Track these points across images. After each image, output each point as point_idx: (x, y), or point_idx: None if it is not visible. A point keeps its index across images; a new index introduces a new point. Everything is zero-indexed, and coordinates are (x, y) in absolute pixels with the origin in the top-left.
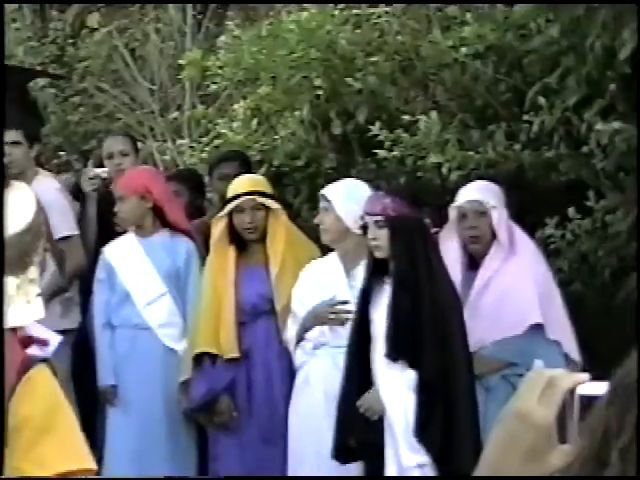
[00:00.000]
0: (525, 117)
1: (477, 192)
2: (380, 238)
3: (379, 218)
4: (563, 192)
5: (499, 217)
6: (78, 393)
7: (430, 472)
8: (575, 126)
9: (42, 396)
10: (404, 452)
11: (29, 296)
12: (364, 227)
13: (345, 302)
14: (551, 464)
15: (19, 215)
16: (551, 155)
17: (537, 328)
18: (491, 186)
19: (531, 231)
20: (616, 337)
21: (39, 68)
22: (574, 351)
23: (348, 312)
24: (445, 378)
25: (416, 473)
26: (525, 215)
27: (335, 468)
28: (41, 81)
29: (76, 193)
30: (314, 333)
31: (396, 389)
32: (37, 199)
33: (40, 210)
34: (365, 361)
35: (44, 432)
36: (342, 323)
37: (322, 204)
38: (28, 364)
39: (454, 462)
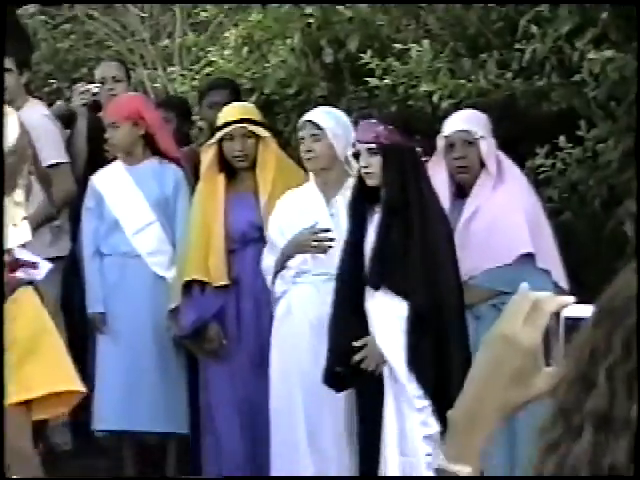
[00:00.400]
0: (517, 46)
1: (465, 122)
2: (372, 165)
3: (372, 146)
4: (554, 121)
5: (487, 147)
6: (68, 320)
7: (430, 414)
8: (567, 55)
9: (27, 318)
10: (408, 396)
11: (15, 219)
12: (356, 154)
13: (327, 230)
14: (537, 387)
15: (3, 138)
16: (543, 84)
17: (527, 257)
18: (479, 115)
19: (522, 160)
20: (605, 266)
21: None
22: (562, 279)
23: (330, 240)
24: (436, 307)
25: (416, 416)
26: (516, 144)
27: (321, 400)
28: (31, 7)
29: (67, 121)
30: (295, 261)
31: (393, 334)
32: (22, 123)
33: (25, 133)
34: (356, 288)
35: (29, 354)
36: (324, 251)
37: (311, 131)
38: (14, 286)
39: (448, 395)
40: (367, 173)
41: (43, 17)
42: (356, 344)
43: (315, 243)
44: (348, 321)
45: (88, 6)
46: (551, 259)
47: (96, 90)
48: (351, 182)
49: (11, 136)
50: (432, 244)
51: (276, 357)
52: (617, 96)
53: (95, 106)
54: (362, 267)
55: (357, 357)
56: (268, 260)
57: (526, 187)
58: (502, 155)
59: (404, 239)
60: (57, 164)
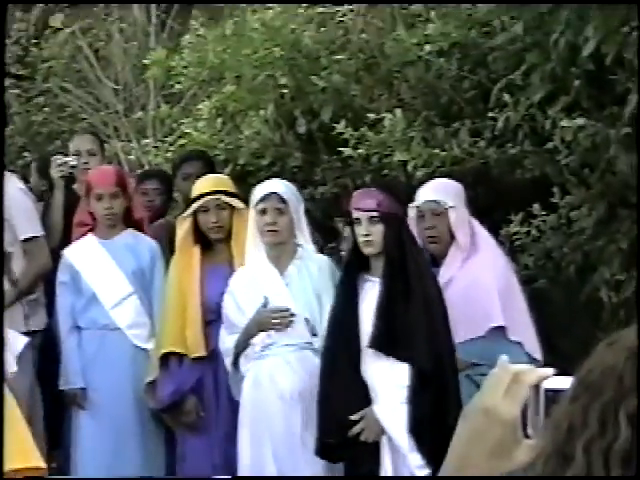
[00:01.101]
0: (490, 114)
1: (434, 192)
2: (374, 234)
3: (374, 214)
4: (528, 188)
5: (457, 217)
6: (44, 395)
7: None
8: (540, 122)
9: None
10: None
11: None
12: (350, 223)
13: (287, 309)
14: (517, 459)
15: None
16: (516, 152)
17: (498, 329)
18: (450, 185)
19: (496, 228)
20: (581, 333)
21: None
22: (536, 351)
23: (292, 315)
24: (437, 368)
25: None
26: (490, 212)
27: (295, 471)
28: (5, 82)
29: (41, 194)
30: (259, 337)
31: (394, 403)
32: None
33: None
34: (349, 356)
35: None
36: (287, 326)
37: (275, 204)
38: None
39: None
40: (367, 241)
41: (16, 90)
42: (354, 417)
43: (277, 320)
44: (342, 391)
45: (61, 79)
46: (523, 330)
47: (74, 163)
48: (301, 252)
49: None
50: (430, 307)
51: (246, 430)
52: (589, 163)
53: (68, 178)
54: (357, 334)
55: (356, 429)
56: (227, 341)
57: (499, 257)
58: (476, 223)
59: (405, 303)
60: (32, 238)
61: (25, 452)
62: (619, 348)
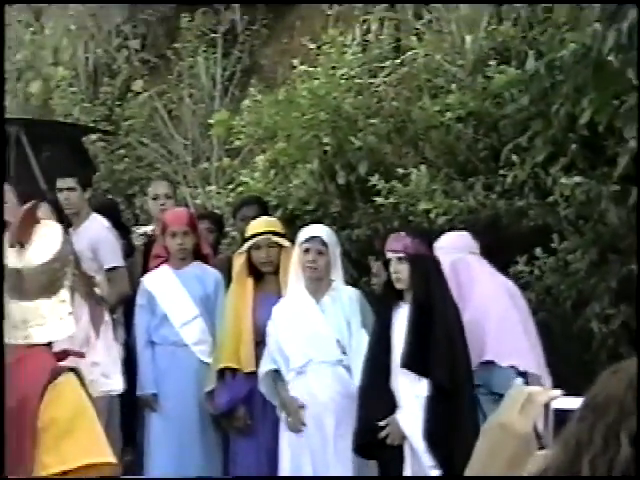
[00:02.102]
0: (500, 171)
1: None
2: (401, 272)
3: (401, 255)
4: (532, 235)
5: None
6: (122, 399)
7: None
8: (542, 179)
9: (67, 401)
10: (424, 466)
11: (61, 314)
12: (385, 262)
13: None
14: (529, 469)
15: (48, 247)
16: (522, 204)
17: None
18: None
19: (505, 268)
20: (575, 359)
21: (91, 125)
22: (532, 367)
23: (302, 424)
24: (454, 384)
25: None
26: (500, 254)
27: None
28: (93, 136)
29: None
30: (298, 357)
31: (414, 413)
32: (63, 233)
33: (67, 242)
34: (382, 369)
35: (67, 432)
36: (297, 431)
37: (317, 247)
38: (57, 373)
39: (458, 468)
40: (397, 278)
41: (103, 143)
42: (382, 424)
43: (290, 420)
44: (375, 400)
45: (140, 134)
46: (517, 353)
47: (150, 232)
48: (334, 285)
49: (55, 245)
50: (450, 333)
51: (286, 435)
52: (584, 215)
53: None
54: (389, 352)
55: (382, 434)
56: (263, 367)
57: (496, 288)
58: (474, 264)
59: (429, 330)
60: (115, 267)
61: (98, 448)
62: (621, 376)
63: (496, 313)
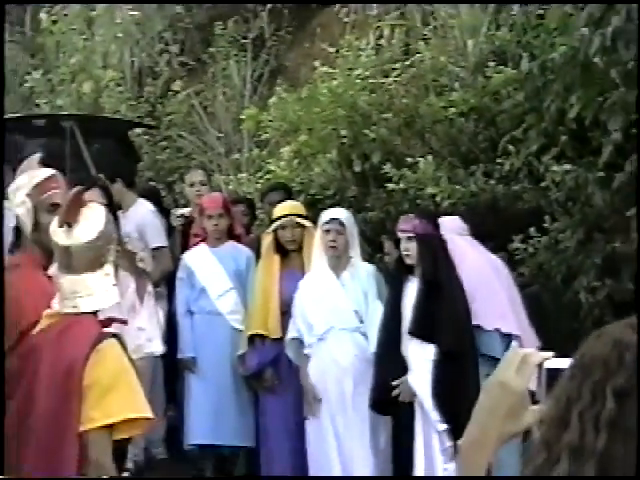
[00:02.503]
0: (498, 160)
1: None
2: (410, 249)
3: (410, 234)
4: (526, 216)
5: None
6: (165, 362)
7: (446, 434)
8: (535, 167)
9: (109, 363)
10: (432, 421)
11: (106, 286)
12: (397, 241)
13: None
14: (525, 421)
15: (93, 226)
16: (517, 188)
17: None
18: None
19: (502, 246)
20: (565, 326)
21: (136, 120)
22: (514, 329)
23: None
24: (459, 349)
25: (437, 435)
26: (498, 233)
27: (347, 422)
28: (138, 130)
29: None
30: (320, 324)
31: (423, 374)
32: (107, 214)
33: (109, 222)
34: (395, 336)
35: (110, 390)
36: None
37: (336, 227)
38: (100, 338)
39: (462, 419)
40: (406, 255)
41: (146, 136)
42: (394, 383)
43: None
44: (389, 363)
45: (179, 128)
46: (502, 318)
47: (188, 214)
48: (354, 261)
49: (99, 225)
50: (455, 305)
51: (315, 390)
52: (572, 198)
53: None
54: (400, 320)
55: (395, 392)
56: (289, 334)
57: (482, 263)
58: (464, 242)
59: (435, 301)
60: (159, 247)
61: (138, 405)
62: (605, 339)
63: (480, 284)
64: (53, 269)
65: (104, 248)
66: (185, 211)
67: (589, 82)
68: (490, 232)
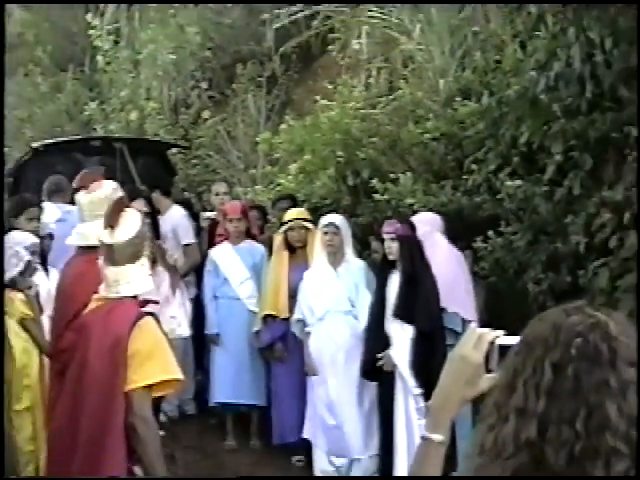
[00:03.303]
0: (463, 177)
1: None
2: (392, 248)
3: (392, 236)
4: (486, 222)
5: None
6: (195, 336)
7: (420, 396)
8: (493, 182)
9: (147, 336)
10: (409, 386)
11: (142, 275)
12: (381, 240)
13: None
14: (481, 387)
15: (131, 227)
16: (479, 200)
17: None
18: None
19: (467, 245)
20: (515, 310)
21: (173, 142)
22: (470, 316)
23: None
24: (432, 329)
25: (413, 398)
26: (463, 236)
27: (343, 388)
28: (174, 150)
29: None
30: (320, 307)
31: (402, 350)
32: (142, 217)
33: (144, 224)
34: (380, 318)
35: (148, 358)
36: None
37: (332, 229)
38: (139, 317)
39: (433, 386)
40: (389, 252)
41: (181, 155)
42: (379, 356)
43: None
44: (375, 339)
45: (208, 148)
46: (461, 305)
47: (213, 217)
48: (348, 257)
49: (136, 226)
50: (428, 293)
51: (314, 360)
52: (523, 208)
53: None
54: (384, 305)
55: (380, 363)
56: (295, 316)
57: (450, 258)
58: (439, 237)
59: (413, 289)
60: (189, 244)
61: (171, 369)
62: (545, 322)
63: (448, 274)
64: (100, 262)
65: (140, 245)
66: (211, 214)
67: (536, 114)
68: (457, 235)
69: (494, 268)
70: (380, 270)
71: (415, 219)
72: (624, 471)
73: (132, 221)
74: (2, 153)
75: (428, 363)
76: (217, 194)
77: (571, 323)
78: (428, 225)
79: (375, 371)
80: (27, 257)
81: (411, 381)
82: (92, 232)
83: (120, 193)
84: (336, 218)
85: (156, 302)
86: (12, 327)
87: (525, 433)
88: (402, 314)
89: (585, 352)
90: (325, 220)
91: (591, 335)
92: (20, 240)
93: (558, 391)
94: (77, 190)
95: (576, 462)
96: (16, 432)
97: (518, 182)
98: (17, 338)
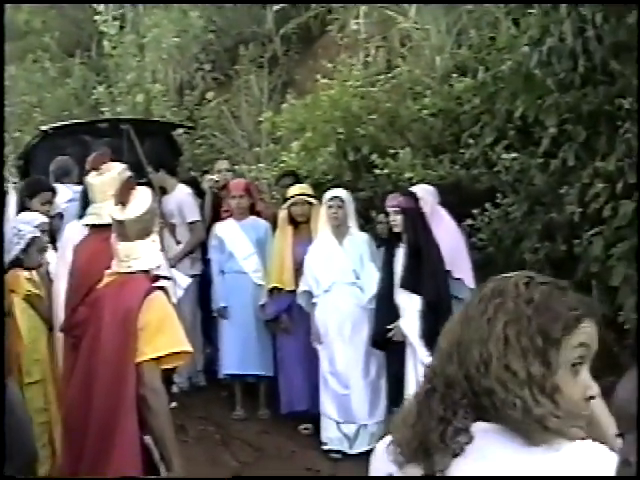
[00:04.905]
0: (461, 150)
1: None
2: (397, 220)
3: (397, 209)
4: (483, 194)
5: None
6: (203, 310)
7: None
8: (490, 156)
9: (157, 309)
10: (418, 355)
11: (153, 251)
12: (386, 213)
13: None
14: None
15: (141, 204)
16: (476, 173)
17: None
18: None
19: (465, 216)
20: None
21: (179, 123)
22: (472, 283)
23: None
24: (439, 299)
25: (423, 367)
26: (461, 207)
27: (349, 355)
28: (180, 130)
29: (198, 189)
30: (326, 279)
31: (412, 320)
32: (152, 194)
33: (155, 201)
34: (389, 289)
35: (158, 331)
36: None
37: (337, 203)
38: (150, 290)
39: None
40: (394, 224)
41: (187, 135)
42: (389, 327)
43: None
44: (385, 310)
45: (212, 128)
46: (464, 271)
47: (216, 179)
48: (352, 230)
49: (146, 203)
50: (434, 263)
51: (321, 331)
52: (519, 179)
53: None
54: (393, 277)
55: (390, 334)
56: (301, 288)
57: (451, 229)
58: (442, 212)
59: (419, 261)
60: (194, 221)
61: (180, 341)
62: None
63: (452, 242)
64: (112, 238)
65: (150, 221)
66: (215, 176)
67: (530, 89)
68: (455, 207)
69: (492, 239)
70: (388, 243)
71: (415, 191)
72: (497, 403)
73: (142, 198)
74: (2, 154)
75: (437, 332)
76: (219, 171)
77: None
78: (430, 196)
79: (386, 341)
80: (30, 235)
81: (421, 350)
82: (104, 212)
83: (129, 173)
84: (340, 192)
85: (167, 278)
86: (18, 304)
87: (448, 370)
88: (409, 285)
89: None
90: (330, 194)
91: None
92: (28, 220)
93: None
94: (87, 172)
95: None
96: (28, 404)
97: (514, 155)
98: (24, 314)
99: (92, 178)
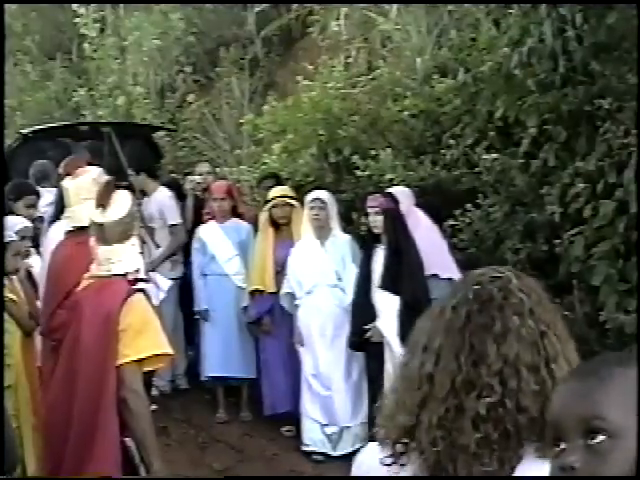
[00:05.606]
0: (442, 151)
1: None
2: (377, 221)
3: (377, 210)
4: (464, 195)
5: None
6: (184, 313)
7: None
8: (471, 156)
9: (137, 312)
10: (397, 356)
11: (132, 254)
12: (366, 214)
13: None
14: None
15: (121, 208)
16: (457, 173)
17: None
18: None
19: (446, 217)
20: None
21: (159, 125)
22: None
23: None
24: (417, 300)
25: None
26: (441, 208)
27: (330, 357)
28: (161, 133)
29: (178, 190)
30: (308, 280)
31: (390, 320)
32: (132, 197)
33: (134, 204)
34: (366, 290)
35: (139, 333)
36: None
37: (319, 204)
38: (130, 293)
39: None
40: (374, 225)
41: (167, 138)
42: (367, 327)
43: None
44: (362, 311)
45: (194, 131)
46: (451, 270)
47: (198, 181)
48: (335, 232)
49: (126, 206)
50: (413, 264)
51: (303, 333)
52: (500, 180)
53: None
54: (370, 278)
55: (368, 334)
56: (284, 289)
57: (432, 229)
58: (420, 213)
59: (398, 261)
60: (175, 224)
61: (161, 343)
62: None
63: (435, 243)
64: (91, 242)
65: (130, 224)
66: (196, 178)
67: (511, 89)
68: (436, 208)
69: (473, 239)
70: (366, 243)
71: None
72: (493, 403)
73: (122, 201)
74: (2, 153)
75: None
76: (200, 174)
77: (476, 274)
78: (406, 199)
79: (363, 342)
80: (7, 239)
81: (399, 350)
82: (80, 215)
83: (106, 177)
84: (322, 194)
85: (146, 280)
86: None
87: (426, 367)
88: (388, 285)
89: (479, 296)
90: (311, 196)
91: (490, 285)
92: (9, 225)
93: (451, 328)
94: (63, 176)
95: (455, 392)
96: None
97: (495, 155)
98: None
99: (67, 182)
